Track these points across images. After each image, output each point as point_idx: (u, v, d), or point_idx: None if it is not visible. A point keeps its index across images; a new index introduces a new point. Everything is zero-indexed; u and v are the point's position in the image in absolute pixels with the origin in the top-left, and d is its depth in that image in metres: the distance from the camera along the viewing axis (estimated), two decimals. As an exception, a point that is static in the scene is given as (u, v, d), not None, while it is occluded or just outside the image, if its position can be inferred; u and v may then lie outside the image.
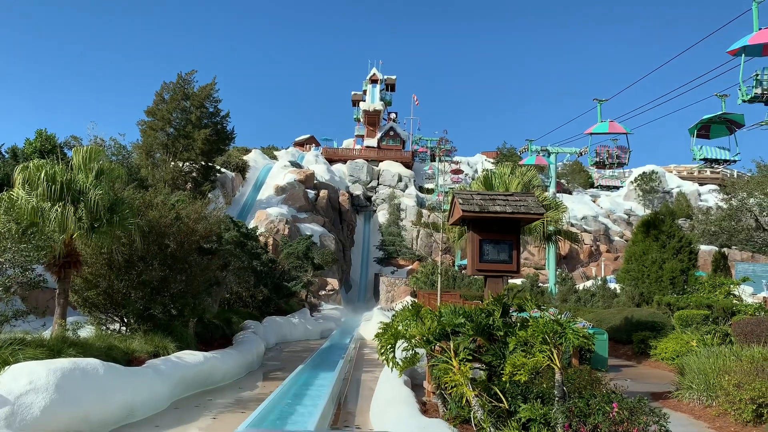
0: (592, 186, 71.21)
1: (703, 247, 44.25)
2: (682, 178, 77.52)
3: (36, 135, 28.13)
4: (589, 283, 37.70)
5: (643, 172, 71.32)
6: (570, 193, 70.00)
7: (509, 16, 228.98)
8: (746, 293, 26.12)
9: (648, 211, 62.54)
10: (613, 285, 30.52)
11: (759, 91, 21.65)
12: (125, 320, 14.14)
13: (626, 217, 68.38)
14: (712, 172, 78.43)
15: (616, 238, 63.39)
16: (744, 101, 22.14)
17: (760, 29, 21.35)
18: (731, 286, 19.61)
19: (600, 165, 36.65)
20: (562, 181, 46.41)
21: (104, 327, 13.92)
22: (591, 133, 35.67)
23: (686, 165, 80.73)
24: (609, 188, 46.31)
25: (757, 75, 21.86)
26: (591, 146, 37.33)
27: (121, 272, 13.80)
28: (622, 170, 43.93)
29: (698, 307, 17.04)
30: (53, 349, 9.60)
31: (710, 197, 68.65)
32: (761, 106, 22.21)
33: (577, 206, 63.51)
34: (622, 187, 48.34)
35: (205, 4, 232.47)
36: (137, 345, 12.13)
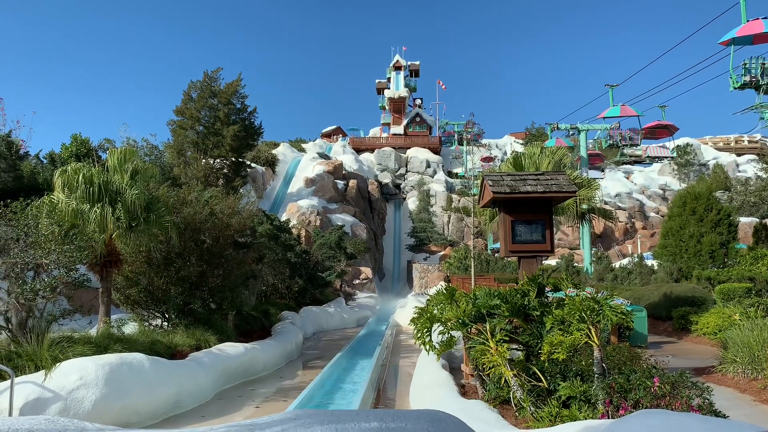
0: (624, 162, 69.88)
1: (743, 219, 43.07)
2: (719, 149, 75.38)
3: (71, 139, 28.88)
4: (625, 261, 37.15)
5: (677, 145, 69.56)
6: (602, 170, 68.69)
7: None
8: (790, 264, 25.36)
9: (684, 185, 61.12)
10: (650, 261, 30.03)
11: (748, 78, 23.54)
12: (166, 315, 14.49)
13: (661, 192, 66.91)
14: (750, 142, 76.12)
15: (652, 214, 62.14)
16: (735, 88, 23.92)
17: (747, 21, 23.03)
18: (774, 257, 19.08)
19: (614, 147, 36.56)
20: (601, 154, 44.71)
21: (147, 323, 14.27)
22: (604, 117, 35.62)
23: (722, 136, 78.46)
24: (659, 159, 45.13)
25: (745, 64, 23.69)
26: (614, 127, 37.04)
27: (160, 269, 14.13)
28: (671, 140, 42.99)
29: (740, 281, 16.65)
30: (100, 346, 9.93)
31: (749, 167, 66.60)
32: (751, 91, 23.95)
33: (610, 183, 62.40)
34: (672, 157, 47.10)
35: (226, 1, 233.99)
36: (179, 339, 12.45)
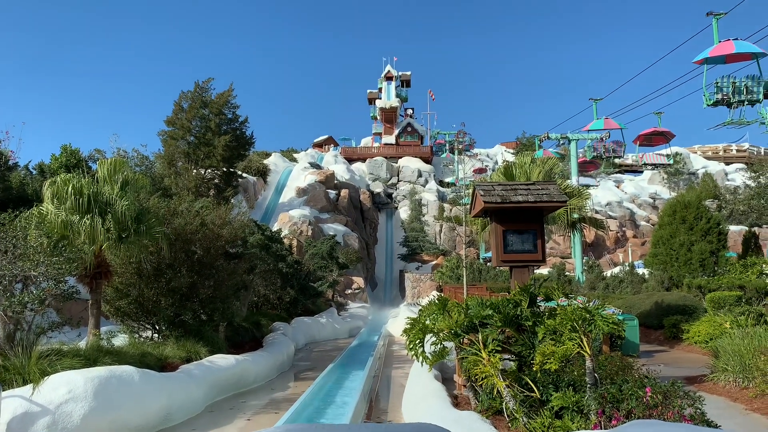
0: (615, 171, 70.44)
1: (732, 228, 43.41)
2: (707, 158, 76.05)
3: (61, 150, 28.72)
4: (616, 270, 37.28)
5: (667, 155, 70.16)
6: (595, 177, 69.09)
7: (521, 7, 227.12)
8: (779, 272, 25.58)
9: (673, 194, 61.53)
10: (641, 270, 30.18)
11: (720, 96, 25.37)
12: (157, 327, 14.36)
13: (651, 201, 67.37)
14: (738, 151, 76.86)
15: (642, 223, 62.50)
16: (708, 105, 25.75)
17: (719, 42, 24.87)
18: (763, 265, 19.24)
19: (598, 159, 37.66)
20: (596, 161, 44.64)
21: (137, 335, 14.15)
22: (588, 131, 36.83)
23: (711, 145, 79.18)
24: (655, 166, 45.45)
25: (717, 83, 25.51)
26: (601, 139, 38.02)
27: (150, 280, 14.02)
28: (668, 146, 43.69)
29: (730, 289, 16.76)
30: (89, 359, 9.80)
31: (737, 176, 67.24)
32: (724, 108, 25.96)
33: (600, 192, 62.75)
34: (670, 164, 47.60)
35: (219, 11, 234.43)
36: (170, 351, 12.33)
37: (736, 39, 24.76)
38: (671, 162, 47.21)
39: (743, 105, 25.62)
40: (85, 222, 11.72)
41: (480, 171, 63.64)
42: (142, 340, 13.77)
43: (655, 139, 41.30)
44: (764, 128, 25.77)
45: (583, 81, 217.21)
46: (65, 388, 8.32)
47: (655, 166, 46.36)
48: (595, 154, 38.44)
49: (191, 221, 15.12)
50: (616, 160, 42.29)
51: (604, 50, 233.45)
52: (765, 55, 24.77)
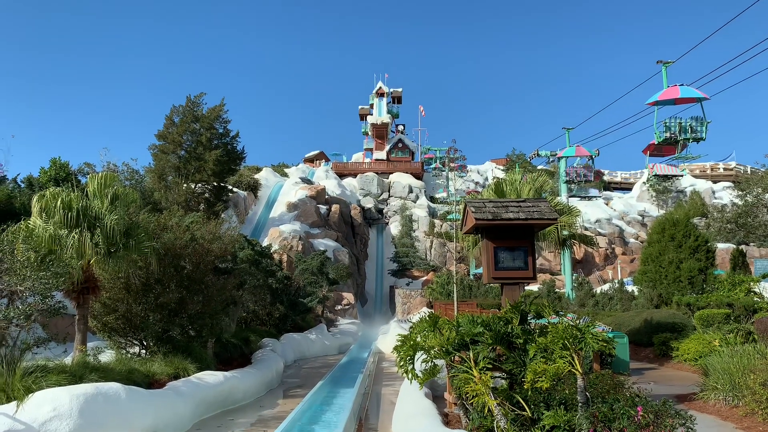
0: (605, 188, 71.08)
1: (720, 245, 43.70)
2: (695, 176, 76.76)
3: (50, 163, 28.59)
4: (606, 287, 37.38)
5: (676, 166, 70.44)
6: (599, 189, 69.46)
7: (511, 25, 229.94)
8: (767, 290, 25.76)
9: (662, 212, 62.00)
10: (630, 287, 30.26)
11: (668, 134, 28.88)
12: (144, 343, 14.20)
13: (640, 218, 67.79)
14: (725, 169, 77.71)
15: (631, 240, 62.84)
16: (659, 143, 29.54)
17: (668, 87, 28.09)
18: (751, 283, 19.34)
19: (569, 183, 39.49)
20: (600, 171, 45.12)
21: (124, 351, 13.98)
22: (561, 157, 38.93)
23: (698, 163, 79.97)
24: (667, 177, 46.06)
25: (666, 122, 28.97)
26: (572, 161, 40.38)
27: (138, 296, 13.89)
28: (676, 157, 44.76)
29: (719, 306, 16.84)
30: (75, 375, 9.67)
31: (725, 194, 67.82)
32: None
33: (590, 209, 63.08)
34: (682, 175, 48.57)
35: (211, 26, 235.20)
36: (157, 367, 12.19)
37: (682, 85, 28.00)
38: (684, 173, 48.29)
39: (689, 142, 29.06)
40: (73, 236, 11.63)
41: (474, 192, 64.04)
42: (130, 356, 13.60)
43: (665, 149, 41.71)
44: None
45: (562, 106, 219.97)
46: (50, 406, 8.19)
47: (666, 177, 47.37)
48: (567, 178, 39.94)
49: (181, 236, 15.03)
50: (606, 178, 42.98)
51: (583, 77, 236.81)
52: (706, 99, 27.86)
